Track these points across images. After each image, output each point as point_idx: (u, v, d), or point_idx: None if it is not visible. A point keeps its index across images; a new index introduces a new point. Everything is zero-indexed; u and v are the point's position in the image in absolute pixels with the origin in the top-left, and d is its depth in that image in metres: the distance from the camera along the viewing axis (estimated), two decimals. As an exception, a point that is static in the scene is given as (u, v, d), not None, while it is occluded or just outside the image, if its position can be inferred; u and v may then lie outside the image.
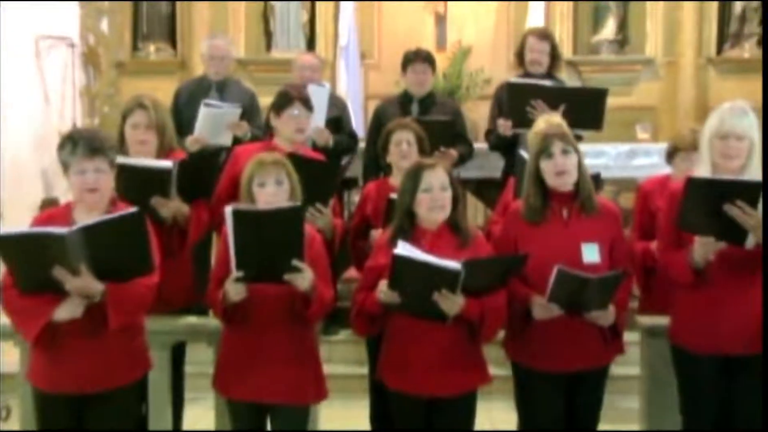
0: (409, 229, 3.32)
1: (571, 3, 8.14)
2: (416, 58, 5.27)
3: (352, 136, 5.56)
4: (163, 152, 3.83)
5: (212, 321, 3.66)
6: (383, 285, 3.19)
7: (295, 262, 3.14)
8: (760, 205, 3.12)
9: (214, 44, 5.62)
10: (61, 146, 3.11)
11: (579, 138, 4.22)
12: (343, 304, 3.59)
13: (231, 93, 5.49)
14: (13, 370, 4.04)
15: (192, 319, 4.00)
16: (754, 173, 3.26)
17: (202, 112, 4.92)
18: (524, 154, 4.05)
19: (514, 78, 5.26)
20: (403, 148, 4.19)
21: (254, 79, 7.64)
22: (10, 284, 3.05)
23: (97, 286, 2.98)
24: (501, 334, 3.52)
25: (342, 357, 4.97)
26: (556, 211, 3.40)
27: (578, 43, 8.22)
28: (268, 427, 3.45)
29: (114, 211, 3.12)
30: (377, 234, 3.89)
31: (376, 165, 4.71)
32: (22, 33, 7.39)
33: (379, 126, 4.89)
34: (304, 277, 3.16)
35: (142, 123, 3.80)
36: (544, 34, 5.35)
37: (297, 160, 3.58)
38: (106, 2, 7.99)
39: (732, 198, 3.13)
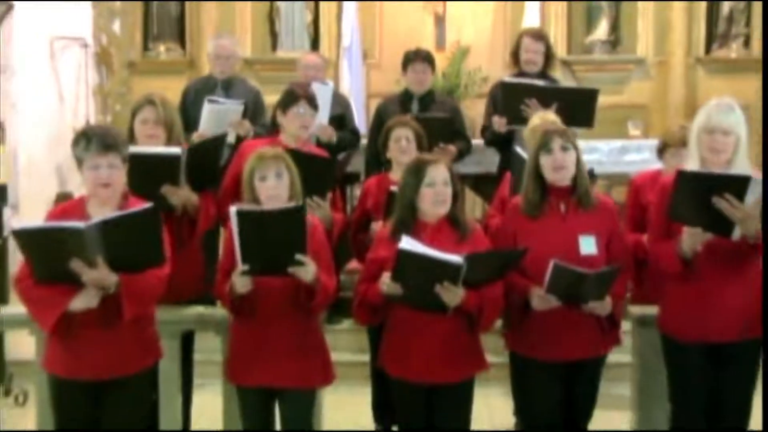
0: (410, 222, 3.32)
1: (565, 4, 8.13)
2: (416, 58, 5.27)
3: (355, 133, 5.56)
4: (171, 147, 3.83)
5: (220, 311, 3.66)
6: (386, 277, 3.19)
7: (299, 257, 3.15)
8: (747, 198, 3.12)
9: (220, 44, 5.62)
10: (75, 143, 3.11)
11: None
12: (346, 294, 3.60)
13: (236, 91, 5.49)
14: (29, 357, 4.05)
15: (200, 309, 4.00)
16: (741, 167, 3.27)
17: (206, 109, 4.92)
18: (520, 150, 4.05)
19: (507, 77, 5.26)
20: (402, 144, 4.20)
21: (260, 78, 7.63)
22: (27, 275, 3.05)
23: (112, 278, 2.98)
24: (498, 323, 3.52)
25: (345, 345, 4.97)
26: (553, 205, 3.39)
27: (572, 43, 8.21)
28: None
29: (126, 205, 3.13)
30: (378, 227, 3.89)
31: (378, 161, 4.71)
32: (38, 34, 7.40)
33: (380, 123, 4.89)
34: (307, 270, 3.16)
35: (151, 118, 3.80)
36: (539, 35, 5.35)
37: (296, 155, 3.58)
38: (118, 3, 7.98)
39: (720, 191, 3.13)
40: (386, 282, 3.19)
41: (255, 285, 3.19)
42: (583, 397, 3.49)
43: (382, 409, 4.42)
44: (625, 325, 3.81)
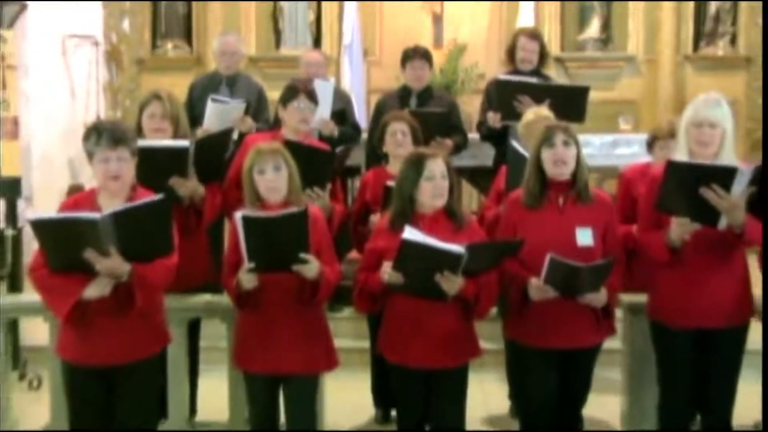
0: (409, 213, 3.31)
1: (558, 3, 8.11)
2: (414, 55, 5.26)
3: (355, 128, 5.55)
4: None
5: (226, 299, 3.66)
6: (387, 266, 3.19)
7: (302, 255, 3.15)
8: (733, 189, 3.12)
9: (225, 41, 5.61)
10: (86, 137, 3.11)
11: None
12: (347, 283, 3.59)
13: (240, 87, 5.48)
14: (43, 343, 4.06)
15: (207, 297, 4.01)
16: (727, 159, 3.27)
17: (209, 107, 4.91)
18: (515, 144, 4.05)
19: (502, 75, 5.25)
20: (398, 138, 4.19)
21: (265, 75, 7.62)
22: (41, 264, 3.05)
23: (124, 267, 2.98)
24: (493, 311, 3.52)
25: (346, 332, 4.97)
26: (552, 198, 3.38)
27: (565, 41, 8.20)
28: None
29: (135, 196, 3.13)
30: (376, 219, 3.88)
31: (378, 154, 4.70)
32: (50, 33, 7.40)
33: (380, 118, 4.87)
34: (310, 268, 3.17)
35: (158, 113, 3.80)
36: (534, 34, 5.33)
37: (296, 147, 3.57)
38: (128, 3, 7.98)
39: (707, 182, 3.13)
40: (387, 271, 3.18)
41: (261, 280, 3.20)
42: (578, 383, 3.49)
43: (381, 393, 4.42)
44: (616, 313, 3.82)
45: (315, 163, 3.81)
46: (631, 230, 3.85)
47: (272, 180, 3.30)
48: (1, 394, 4.06)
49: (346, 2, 7.87)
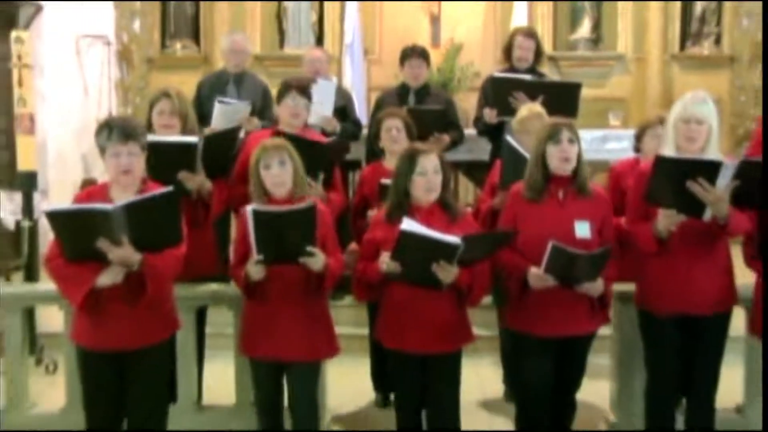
0: (405, 206, 3.31)
1: (551, 4, 8.09)
2: (412, 54, 5.25)
3: (356, 123, 5.55)
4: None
5: (231, 288, 3.66)
6: (385, 256, 3.19)
7: (309, 248, 3.15)
8: (718, 182, 3.13)
9: (234, 40, 5.61)
10: (98, 132, 3.11)
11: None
12: (347, 273, 3.59)
13: (247, 86, 5.47)
14: (59, 330, 4.07)
15: (214, 287, 4.01)
16: (712, 154, 3.28)
17: (217, 108, 4.90)
18: (510, 140, 4.04)
19: (497, 72, 5.23)
20: (393, 134, 4.18)
21: (269, 73, 7.60)
22: (56, 254, 3.05)
23: (136, 256, 2.98)
24: (487, 299, 3.52)
25: (346, 320, 4.97)
26: (553, 192, 3.37)
27: (558, 40, 8.19)
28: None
29: (145, 189, 3.13)
30: (373, 213, 3.88)
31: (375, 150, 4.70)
32: (64, 33, 7.39)
33: (379, 114, 4.87)
34: (316, 261, 3.17)
35: (167, 110, 3.80)
36: (530, 33, 5.31)
37: (290, 139, 3.55)
38: (138, 4, 7.96)
39: (694, 175, 3.14)
40: (386, 261, 3.18)
41: (268, 271, 3.20)
42: (573, 369, 3.49)
43: (381, 378, 4.43)
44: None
45: (309, 155, 3.80)
46: (619, 222, 3.85)
47: (277, 175, 3.30)
48: (20, 378, 4.07)
49: (347, 3, 7.86)
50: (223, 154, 3.98)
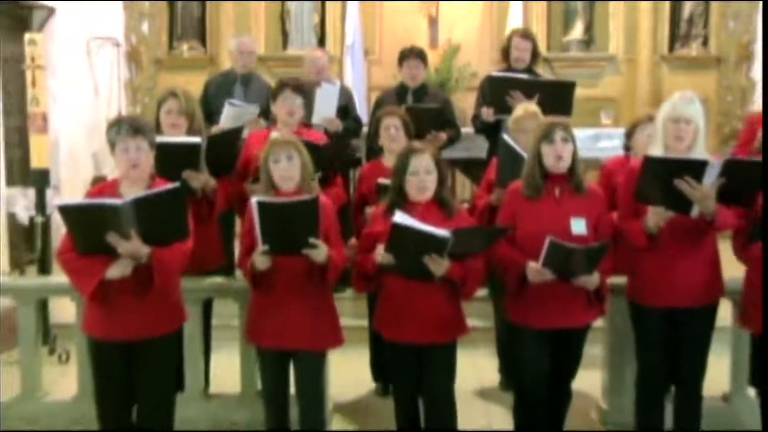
0: (402, 203, 3.32)
1: (545, 5, 8.07)
2: (410, 55, 5.24)
3: (357, 121, 5.55)
4: (192, 136, 3.82)
5: (237, 281, 3.67)
6: (380, 248, 3.20)
7: (312, 240, 3.15)
8: (705, 180, 3.13)
9: (242, 41, 5.62)
10: (109, 128, 3.15)
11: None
12: (348, 266, 3.60)
13: (253, 87, 5.47)
14: (71, 321, 4.07)
15: (219, 280, 4.02)
16: (699, 153, 3.28)
17: (226, 109, 4.90)
18: (506, 138, 4.03)
19: (494, 72, 5.23)
20: (391, 132, 4.18)
21: (272, 74, 7.57)
22: (68, 248, 3.07)
23: (144, 250, 2.99)
24: (483, 292, 3.52)
25: (347, 311, 4.96)
26: (550, 190, 3.36)
27: (551, 41, 8.16)
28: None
29: (153, 185, 3.14)
30: (371, 210, 3.87)
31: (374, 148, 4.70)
32: (75, 35, 7.38)
33: (379, 113, 4.86)
34: (319, 252, 3.17)
35: (174, 109, 3.79)
36: (527, 34, 5.29)
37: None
38: (146, 5, 7.94)
39: (681, 174, 3.14)
40: (380, 253, 3.20)
41: (273, 262, 3.20)
42: (569, 360, 3.49)
43: (380, 368, 4.43)
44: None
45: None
46: (611, 217, 3.86)
47: (285, 169, 3.31)
48: (33, 368, 4.08)
49: (348, 4, 7.84)
50: (226, 152, 3.98)
